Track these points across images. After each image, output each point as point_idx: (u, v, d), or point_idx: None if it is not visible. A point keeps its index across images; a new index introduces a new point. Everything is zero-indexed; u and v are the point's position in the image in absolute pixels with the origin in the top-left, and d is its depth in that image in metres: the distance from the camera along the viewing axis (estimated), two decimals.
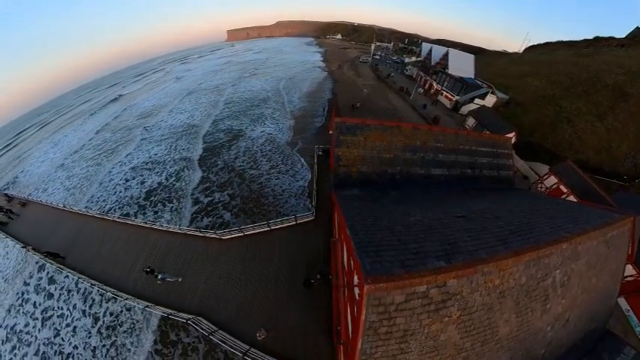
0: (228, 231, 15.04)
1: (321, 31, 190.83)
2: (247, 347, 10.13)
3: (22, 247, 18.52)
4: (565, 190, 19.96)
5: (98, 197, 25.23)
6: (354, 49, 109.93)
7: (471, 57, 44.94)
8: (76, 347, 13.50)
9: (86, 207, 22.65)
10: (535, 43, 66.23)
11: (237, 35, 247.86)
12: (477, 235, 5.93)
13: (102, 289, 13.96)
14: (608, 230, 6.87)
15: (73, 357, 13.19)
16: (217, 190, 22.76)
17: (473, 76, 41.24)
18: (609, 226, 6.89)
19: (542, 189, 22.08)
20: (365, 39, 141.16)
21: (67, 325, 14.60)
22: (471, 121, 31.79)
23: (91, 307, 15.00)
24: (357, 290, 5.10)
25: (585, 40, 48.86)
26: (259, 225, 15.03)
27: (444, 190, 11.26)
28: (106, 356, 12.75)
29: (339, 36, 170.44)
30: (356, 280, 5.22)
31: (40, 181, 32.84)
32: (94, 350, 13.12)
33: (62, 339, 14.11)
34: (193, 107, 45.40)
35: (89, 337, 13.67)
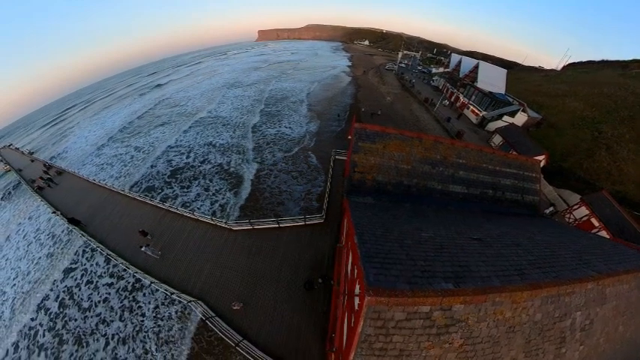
0: (239, 222, 15.50)
1: (348, 37, 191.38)
2: (240, 338, 10.33)
3: (52, 213, 20.38)
4: (597, 224, 18.27)
5: (121, 172, 26.98)
6: (381, 56, 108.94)
7: (503, 71, 42.76)
8: (96, 304, 14.32)
9: (133, 190, 23.50)
10: (575, 61, 62.16)
11: (268, 35, 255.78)
12: (491, 261, 5.59)
13: (115, 259, 14.93)
14: None
15: (90, 310, 14.05)
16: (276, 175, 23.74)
17: (503, 92, 39.20)
18: None
19: (571, 220, 20.41)
20: (392, 46, 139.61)
21: (89, 282, 15.61)
22: (497, 139, 30.21)
23: (114, 266, 15.82)
24: (357, 300, 4.99)
25: (635, 61, 44.90)
26: (269, 221, 15.30)
27: (461, 208, 10.76)
28: (121, 318, 13.35)
29: (366, 42, 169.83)
30: (357, 289, 5.12)
31: (78, 155, 35.79)
32: (111, 309, 13.86)
33: (82, 291, 15.15)
34: (233, 101, 47.00)
35: (109, 295, 14.54)
